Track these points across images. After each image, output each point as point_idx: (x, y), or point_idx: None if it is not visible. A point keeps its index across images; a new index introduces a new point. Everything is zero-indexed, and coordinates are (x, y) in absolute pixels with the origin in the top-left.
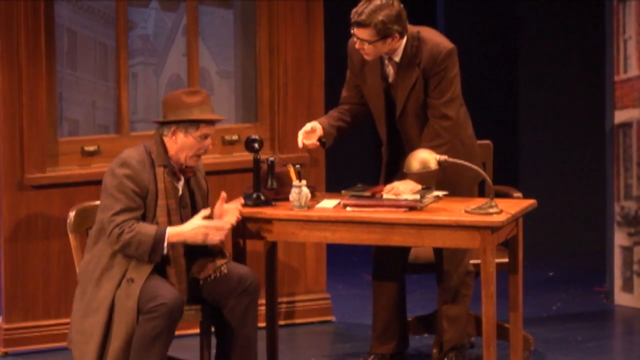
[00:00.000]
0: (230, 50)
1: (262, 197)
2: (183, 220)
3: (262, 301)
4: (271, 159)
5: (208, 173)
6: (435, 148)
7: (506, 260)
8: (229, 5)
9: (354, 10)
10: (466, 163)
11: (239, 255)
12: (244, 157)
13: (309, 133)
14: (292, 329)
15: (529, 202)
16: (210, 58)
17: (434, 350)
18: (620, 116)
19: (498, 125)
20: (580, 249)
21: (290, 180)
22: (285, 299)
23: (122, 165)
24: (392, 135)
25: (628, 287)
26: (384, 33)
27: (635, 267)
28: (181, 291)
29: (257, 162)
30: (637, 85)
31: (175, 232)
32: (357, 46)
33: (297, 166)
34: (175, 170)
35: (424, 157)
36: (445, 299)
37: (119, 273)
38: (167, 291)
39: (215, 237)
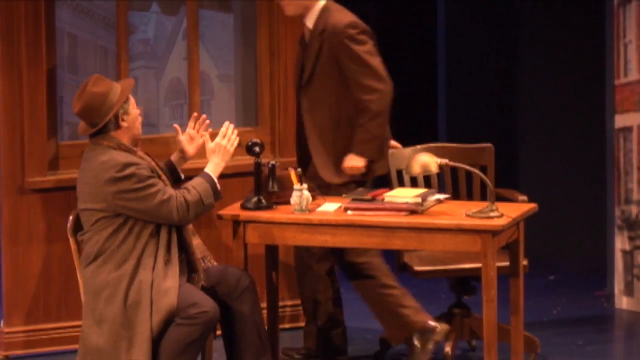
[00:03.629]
0: (230, 55)
1: (264, 201)
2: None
3: (263, 305)
4: (272, 162)
5: None
6: (366, 124)
7: (507, 264)
8: (230, 10)
9: None
10: (469, 168)
11: (240, 258)
12: (245, 161)
13: None
14: (296, 332)
15: (530, 206)
16: (211, 62)
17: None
18: (620, 120)
19: (499, 129)
20: (582, 253)
21: (292, 184)
22: (289, 303)
23: (123, 167)
24: (299, 109)
25: (629, 291)
26: None
27: (636, 271)
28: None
29: (258, 166)
30: (637, 90)
31: (213, 168)
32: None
33: (299, 170)
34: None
35: (425, 161)
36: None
37: (151, 259)
38: (205, 299)
39: (234, 144)
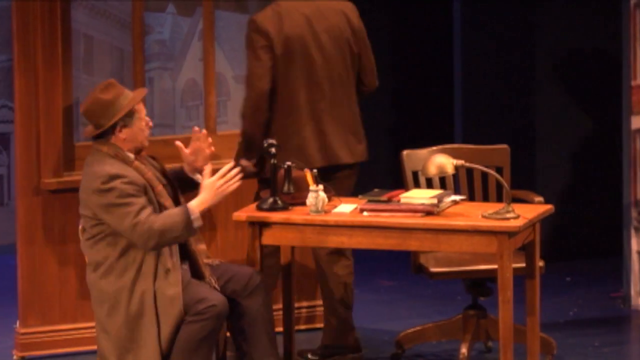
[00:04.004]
0: (246, 55)
1: (279, 202)
2: (176, 197)
3: (276, 306)
4: (288, 163)
5: None
6: None
7: (523, 265)
8: (246, 10)
9: None
10: (485, 169)
11: (256, 259)
12: None
13: None
14: (312, 333)
15: (546, 207)
16: (227, 63)
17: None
18: (637, 121)
19: (515, 130)
20: (597, 254)
21: (307, 185)
22: (304, 304)
23: (112, 178)
24: None
25: None
26: None
27: None
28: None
29: (274, 167)
30: None
31: (198, 203)
32: None
33: (314, 171)
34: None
35: (441, 162)
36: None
37: (151, 267)
38: (212, 293)
39: (230, 187)
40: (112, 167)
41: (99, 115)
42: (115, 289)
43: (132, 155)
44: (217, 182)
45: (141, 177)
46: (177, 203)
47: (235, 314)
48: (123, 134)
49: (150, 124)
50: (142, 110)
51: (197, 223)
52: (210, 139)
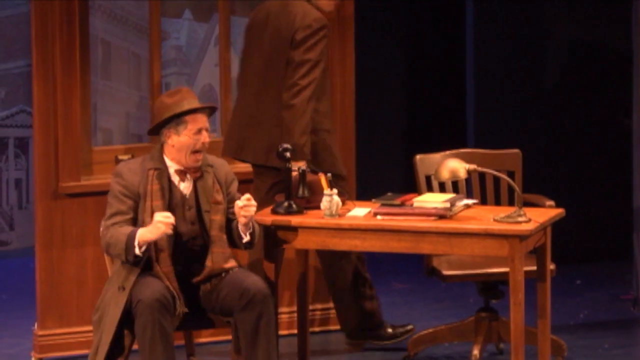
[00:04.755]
0: None
1: (294, 206)
2: (187, 221)
3: (290, 309)
4: (302, 167)
5: (239, 182)
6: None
7: (534, 268)
8: None
9: None
10: (497, 173)
11: (272, 262)
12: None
13: None
14: (326, 335)
15: (557, 211)
16: None
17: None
18: None
19: (526, 134)
20: (608, 257)
21: (322, 189)
22: (319, 306)
23: (115, 174)
24: None
25: None
26: None
27: None
28: (168, 288)
29: (288, 171)
30: None
31: (142, 232)
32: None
33: (328, 175)
34: (172, 173)
35: (454, 167)
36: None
37: (118, 280)
38: (146, 289)
39: (163, 228)
40: (124, 165)
41: (157, 115)
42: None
43: (170, 163)
44: (156, 217)
45: (141, 186)
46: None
47: (234, 326)
48: (171, 140)
49: (207, 140)
50: (197, 124)
51: (138, 250)
52: (247, 209)
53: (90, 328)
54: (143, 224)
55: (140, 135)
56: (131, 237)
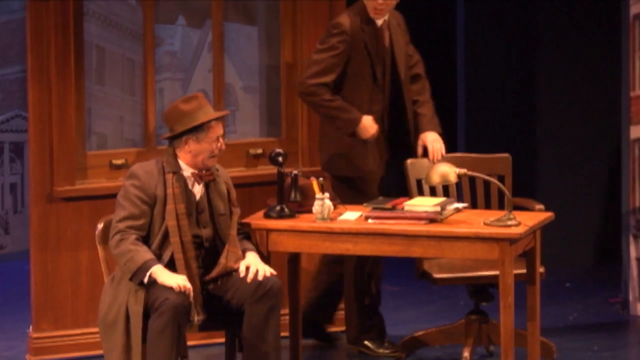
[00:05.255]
0: (255, 66)
1: (286, 210)
2: (200, 225)
3: (285, 311)
4: (295, 172)
5: (233, 186)
6: (429, 99)
7: (524, 271)
8: (254, 22)
9: None
10: (487, 177)
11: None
12: (268, 170)
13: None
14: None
15: (547, 215)
16: (236, 74)
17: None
18: (635, 131)
19: (517, 139)
20: (597, 260)
21: (314, 193)
22: None
23: (129, 176)
24: (392, 103)
25: None
26: None
27: None
28: (191, 293)
29: (281, 175)
30: None
31: (157, 272)
32: (379, 1)
33: (320, 179)
34: (187, 177)
35: (445, 171)
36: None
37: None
38: (170, 290)
39: (175, 286)
40: (140, 167)
41: (174, 121)
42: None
43: (184, 167)
44: (177, 284)
45: (158, 189)
46: (197, 227)
47: (239, 323)
48: (190, 145)
49: (223, 147)
50: (216, 131)
51: (146, 280)
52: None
53: (85, 330)
54: (165, 226)
55: (134, 139)
56: (146, 267)
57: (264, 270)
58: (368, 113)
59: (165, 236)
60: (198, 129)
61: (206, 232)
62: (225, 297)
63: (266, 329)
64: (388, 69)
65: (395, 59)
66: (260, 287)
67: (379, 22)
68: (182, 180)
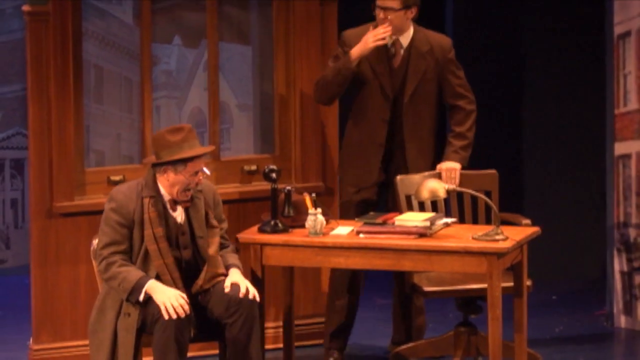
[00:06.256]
0: (249, 85)
1: (280, 225)
2: (180, 246)
3: (279, 323)
4: (288, 188)
5: (228, 201)
6: (467, 132)
7: (511, 284)
8: (248, 42)
9: None
10: (475, 193)
11: (257, 279)
12: (262, 186)
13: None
14: (309, 349)
15: (534, 230)
16: (230, 92)
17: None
18: (620, 148)
19: (503, 155)
20: (582, 274)
21: (306, 209)
22: (302, 322)
23: (109, 200)
24: (391, 121)
25: (627, 310)
26: (407, 2)
27: (635, 291)
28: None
29: (274, 191)
30: (636, 118)
31: (152, 288)
32: (380, 16)
33: (313, 195)
34: (166, 201)
35: (434, 187)
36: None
37: (118, 302)
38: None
39: (169, 305)
40: (121, 190)
41: (160, 148)
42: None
43: (164, 193)
44: (168, 299)
45: (136, 212)
46: (177, 249)
47: (221, 336)
48: (168, 175)
49: (201, 182)
50: (196, 166)
51: (142, 298)
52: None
53: (83, 342)
54: (145, 250)
55: (131, 156)
56: (140, 285)
57: (245, 286)
58: (374, 121)
59: (146, 257)
60: (177, 162)
61: (185, 254)
62: (205, 312)
63: (248, 342)
64: (395, 88)
65: (405, 82)
66: (232, 300)
67: (389, 40)
68: (161, 204)
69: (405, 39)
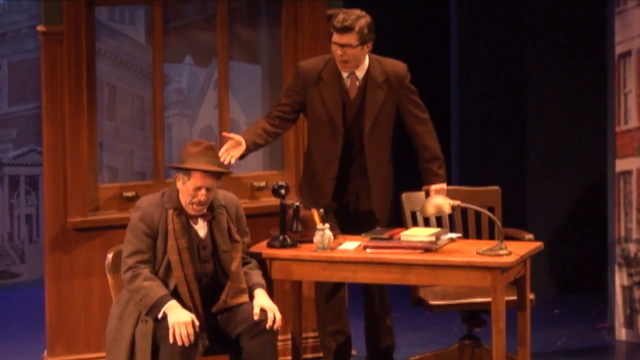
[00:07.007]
0: (258, 103)
1: (288, 240)
2: (201, 260)
3: (288, 336)
4: (296, 204)
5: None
6: (440, 153)
7: (515, 298)
8: (258, 61)
9: (336, 19)
10: (479, 209)
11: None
12: (271, 202)
13: (234, 147)
14: None
15: (536, 245)
16: (240, 110)
17: None
18: (621, 164)
19: (507, 172)
20: (584, 288)
21: (314, 224)
22: (311, 334)
23: (136, 209)
24: (346, 152)
25: (628, 323)
26: (364, 39)
27: (636, 305)
28: (197, 329)
29: (283, 207)
30: (636, 136)
31: (169, 308)
32: (338, 53)
33: (321, 211)
34: (187, 213)
35: (439, 203)
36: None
37: (137, 310)
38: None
39: (177, 333)
40: (146, 200)
41: (181, 156)
42: (119, 303)
43: (183, 204)
44: (178, 325)
45: (160, 223)
46: (200, 262)
47: (239, 354)
48: (179, 183)
49: (202, 199)
50: (197, 182)
51: (160, 315)
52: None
53: (97, 355)
54: (167, 260)
55: (143, 172)
56: (160, 304)
57: (273, 314)
58: (326, 155)
59: (168, 267)
60: (185, 173)
61: (207, 268)
62: (227, 328)
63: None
64: (351, 119)
65: (362, 112)
66: (258, 324)
67: (344, 73)
68: (184, 216)
69: (360, 71)
